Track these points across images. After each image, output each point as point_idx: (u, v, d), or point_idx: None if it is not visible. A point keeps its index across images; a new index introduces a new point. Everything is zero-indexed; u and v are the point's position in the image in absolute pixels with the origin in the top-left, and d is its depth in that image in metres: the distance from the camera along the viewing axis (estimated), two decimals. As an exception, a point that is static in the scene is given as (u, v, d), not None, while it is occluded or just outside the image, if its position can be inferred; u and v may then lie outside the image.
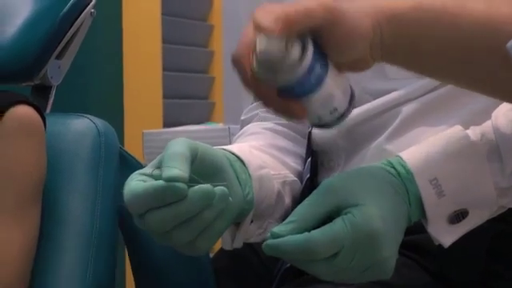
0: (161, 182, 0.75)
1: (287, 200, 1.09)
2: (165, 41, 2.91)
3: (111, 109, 2.78)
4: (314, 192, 0.82)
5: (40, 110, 1.14)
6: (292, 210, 1.16)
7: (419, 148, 0.85)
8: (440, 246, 0.87)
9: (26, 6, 1.35)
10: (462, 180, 0.83)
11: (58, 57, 1.38)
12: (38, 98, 1.38)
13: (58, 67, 1.38)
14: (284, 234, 0.77)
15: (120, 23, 2.82)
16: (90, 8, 1.39)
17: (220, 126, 2.70)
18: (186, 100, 3.12)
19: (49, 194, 1.15)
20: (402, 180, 0.83)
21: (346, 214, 0.79)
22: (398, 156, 0.85)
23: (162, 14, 2.89)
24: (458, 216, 0.84)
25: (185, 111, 3.05)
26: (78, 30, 1.38)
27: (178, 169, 0.75)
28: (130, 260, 1.27)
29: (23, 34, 1.33)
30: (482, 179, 0.83)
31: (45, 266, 1.14)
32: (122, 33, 2.84)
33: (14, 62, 1.32)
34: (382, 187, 0.81)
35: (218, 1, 3.27)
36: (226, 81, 3.26)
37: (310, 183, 1.08)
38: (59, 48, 1.36)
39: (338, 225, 0.77)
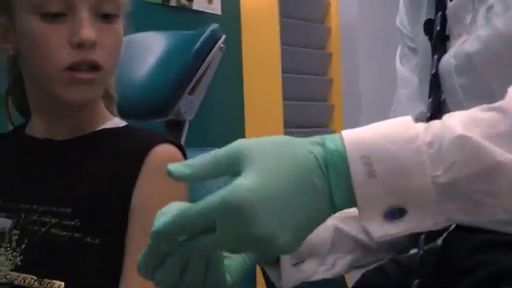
0: None
1: (353, 231, 1.06)
2: (284, 70, 2.94)
3: (232, 140, 2.81)
4: (227, 147, 0.77)
5: (183, 149, 1.14)
6: None
7: (361, 128, 0.78)
8: None
9: (159, 44, 1.39)
10: (397, 164, 0.75)
11: (191, 92, 1.40)
12: (172, 133, 1.41)
13: (191, 102, 1.41)
14: (179, 174, 0.76)
15: (240, 55, 2.87)
16: (220, 43, 1.41)
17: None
18: (308, 128, 3.13)
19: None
20: (324, 158, 0.75)
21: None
22: (340, 133, 0.78)
23: (282, 44, 2.92)
24: (395, 214, 0.76)
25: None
26: (208, 65, 1.41)
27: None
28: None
29: (157, 71, 1.36)
30: (419, 168, 0.75)
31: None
32: (242, 65, 2.88)
33: (149, 99, 1.36)
34: (286, 164, 0.74)
35: (336, 29, 3.28)
36: (345, 108, 3.26)
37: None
38: (192, 84, 1.38)
39: (208, 199, 0.73)
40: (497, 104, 0.79)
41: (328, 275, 1.00)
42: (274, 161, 0.74)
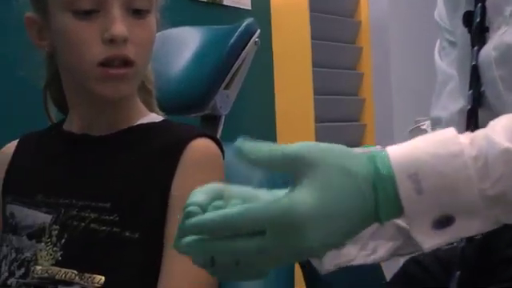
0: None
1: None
2: (314, 64, 2.93)
3: (264, 134, 2.81)
4: (294, 147, 0.78)
5: (220, 143, 1.15)
6: None
7: (405, 144, 0.80)
8: None
9: (195, 39, 1.38)
10: (444, 180, 0.77)
11: (226, 87, 1.40)
12: (208, 128, 1.40)
13: (227, 97, 1.40)
14: (247, 155, 0.75)
15: (270, 50, 2.87)
16: (255, 37, 1.41)
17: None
18: (338, 123, 3.12)
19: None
20: (373, 176, 0.78)
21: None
22: (385, 150, 0.80)
23: (312, 38, 2.92)
24: (443, 222, 0.78)
25: (337, 134, 3.05)
26: (243, 59, 1.40)
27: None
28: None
29: (193, 66, 1.35)
30: (466, 182, 0.77)
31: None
32: (273, 60, 2.88)
33: (185, 94, 1.35)
34: (341, 180, 0.77)
35: (366, 23, 3.27)
36: (376, 102, 3.25)
37: (471, 113, 1.10)
38: (227, 78, 1.38)
39: (265, 207, 0.74)
40: None
41: (369, 260, 1.00)
42: (332, 177, 0.76)
